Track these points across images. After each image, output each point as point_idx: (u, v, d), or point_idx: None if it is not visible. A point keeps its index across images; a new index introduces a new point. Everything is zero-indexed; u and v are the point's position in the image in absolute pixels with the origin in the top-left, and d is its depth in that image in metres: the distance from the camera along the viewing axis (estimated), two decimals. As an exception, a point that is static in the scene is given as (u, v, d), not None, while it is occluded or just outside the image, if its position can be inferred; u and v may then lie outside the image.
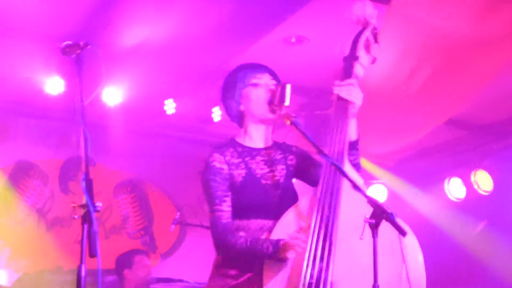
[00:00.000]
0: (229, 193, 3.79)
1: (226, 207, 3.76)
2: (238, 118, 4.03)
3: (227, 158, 3.85)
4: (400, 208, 9.31)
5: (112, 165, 9.31)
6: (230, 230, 3.71)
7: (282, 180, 3.90)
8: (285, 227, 3.62)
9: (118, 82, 7.62)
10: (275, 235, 3.61)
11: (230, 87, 4.02)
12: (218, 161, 3.83)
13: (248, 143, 3.96)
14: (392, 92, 6.75)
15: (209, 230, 3.81)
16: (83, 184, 2.71)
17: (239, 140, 3.98)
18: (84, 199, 2.69)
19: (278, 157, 3.98)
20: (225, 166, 3.82)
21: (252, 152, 3.93)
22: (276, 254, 3.50)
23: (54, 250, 8.56)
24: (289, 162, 4.00)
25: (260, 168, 3.88)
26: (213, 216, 3.76)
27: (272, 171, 3.90)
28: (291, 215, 3.67)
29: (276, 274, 3.55)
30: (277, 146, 4.03)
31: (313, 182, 3.90)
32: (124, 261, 7.30)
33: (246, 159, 3.88)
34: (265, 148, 3.97)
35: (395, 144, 8.27)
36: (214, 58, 7.38)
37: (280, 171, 3.93)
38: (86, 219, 2.66)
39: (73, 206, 2.72)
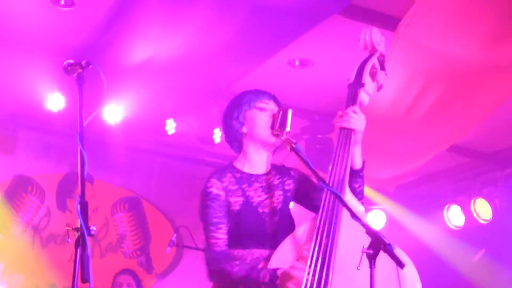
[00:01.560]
0: (225, 220, 3.73)
1: (221, 235, 3.70)
2: (237, 142, 3.95)
3: (224, 184, 3.78)
4: (399, 234, 9.26)
5: (111, 182, 9.28)
6: (224, 258, 3.65)
7: (279, 206, 3.83)
8: (282, 256, 3.56)
9: (120, 100, 7.60)
10: (273, 265, 3.54)
11: (235, 108, 3.93)
12: (216, 187, 3.76)
13: (246, 169, 3.88)
14: (396, 117, 6.71)
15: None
16: (78, 207, 2.65)
17: (238, 165, 3.90)
18: (78, 222, 2.64)
19: (276, 182, 3.90)
20: (222, 193, 3.76)
21: (250, 178, 3.85)
22: (273, 284, 3.45)
23: (48, 267, 8.52)
24: (286, 187, 3.92)
25: (257, 196, 3.81)
26: (207, 243, 3.71)
27: (269, 197, 3.83)
28: (288, 244, 3.61)
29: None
30: (275, 170, 3.95)
31: (312, 207, 3.84)
32: (112, 283, 7.33)
33: (244, 186, 3.81)
34: (263, 174, 3.90)
35: (396, 169, 8.21)
36: (218, 79, 7.38)
37: (278, 197, 3.85)
38: (80, 243, 2.62)
39: (67, 229, 2.66)
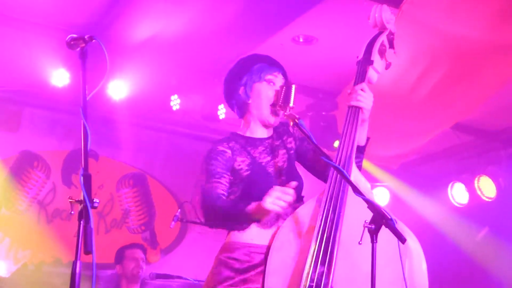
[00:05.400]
0: (228, 174, 3.74)
1: (224, 182, 3.70)
2: (239, 109, 3.99)
3: (230, 144, 3.81)
4: (403, 212, 9.28)
5: (116, 158, 9.30)
6: (221, 199, 3.63)
7: (285, 165, 3.86)
8: (286, 235, 3.60)
9: (125, 76, 7.59)
10: (277, 245, 3.57)
11: (244, 73, 3.94)
12: (222, 146, 3.79)
13: (249, 134, 3.92)
14: (400, 95, 6.70)
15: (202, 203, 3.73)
16: (81, 179, 2.67)
17: (240, 132, 3.95)
18: (81, 195, 2.66)
19: (277, 142, 3.94)
20: (228, 151, 3.78)
21: (254, 142, 3.88)
22: (253, 214, 3.48)
23: (53, 242, 8.52)
24: (288, 145, 3.95)
25: (263, 157, 3.84)
26: (209, 186, 3.67)
27: (274, 157, 3.86)
28: (291, 223, 3.63)
29: (279, 271, 3.53)
30: (276, 133, 3.98)
31: (310, 167, 3.92)
32: (117, 256, 7.34)
33: (248, 148, 3.84)
34: (266, 138, 3.93)
35: (400, 147, 8.21)
36: (222, 56, 7.36)
37: (282, 156, 3.89)
38: (83, 215, 2.63)
39: (70, 202, 2.68)
